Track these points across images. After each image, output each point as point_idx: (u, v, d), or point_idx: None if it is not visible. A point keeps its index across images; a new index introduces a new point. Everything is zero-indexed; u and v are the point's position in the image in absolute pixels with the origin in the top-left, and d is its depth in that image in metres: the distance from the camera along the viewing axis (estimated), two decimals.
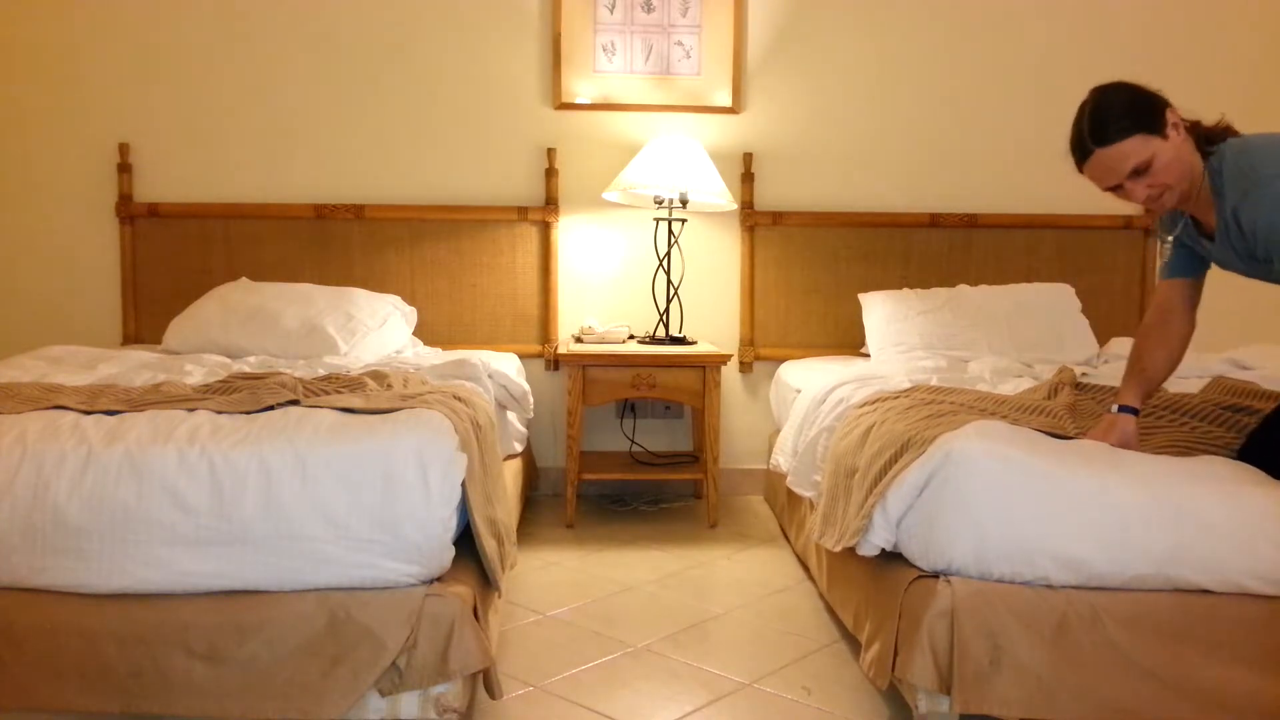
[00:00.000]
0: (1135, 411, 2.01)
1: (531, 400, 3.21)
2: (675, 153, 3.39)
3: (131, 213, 3.61)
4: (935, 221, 3.71)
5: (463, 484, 1.85)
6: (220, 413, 1.94)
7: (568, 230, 3.71)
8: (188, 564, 1.74)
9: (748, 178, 3.69)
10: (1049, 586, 1.77)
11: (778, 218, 3.70)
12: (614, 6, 3.63)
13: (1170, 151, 1.82)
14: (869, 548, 1.93)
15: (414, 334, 3.52)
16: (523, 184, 3.70)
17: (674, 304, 3.61)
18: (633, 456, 3.64)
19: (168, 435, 1.81)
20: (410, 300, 3.60)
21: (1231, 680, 1.71)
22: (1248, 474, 1.84)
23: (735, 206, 3.63)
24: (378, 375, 2.38)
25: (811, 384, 2.94)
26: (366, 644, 1.72)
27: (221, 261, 3.61)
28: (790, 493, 2.89)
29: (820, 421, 2.60)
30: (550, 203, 3.65)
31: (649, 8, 3.64)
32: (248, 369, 2.75)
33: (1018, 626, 1.72)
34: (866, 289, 3.65)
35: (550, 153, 3.65)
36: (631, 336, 3.56)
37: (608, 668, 2.18)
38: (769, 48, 3.70)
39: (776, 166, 3.73)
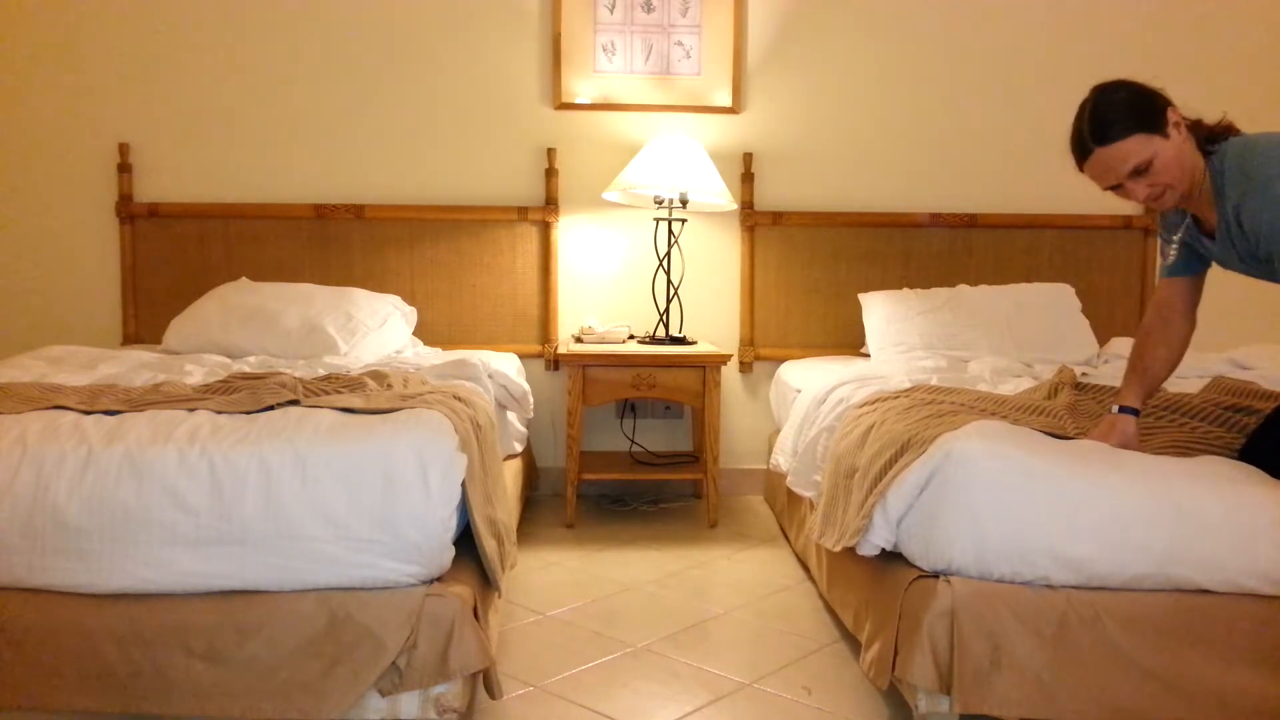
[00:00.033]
0: (1136, 412, 2.01)
1: (531, 400, 3.21)
2: (675, 153, 3.39)
3: (131, 213, 3.61)
4: (935, 221, 3.71)
5: (463, 484, 1.85)
6: (220, 413, 1.94)
7: (568, 230, 3.71)
8: (188, 564, 1.74)
9: (748, 178, 3.69)
10: (1049, 586, 1.77)
11: (778, 218, 3.70)
12: (614, 6, 3.63)
13: (1171, 151, 1.82)
14: (869, 547, 1.93)
15: (414, 334, 3.52)
16: (523, 184, 3.70)
17: (674, 304, 3.61)
18: (633, 456, 3.64)
19: (168, 435, 1.81)
20: (410, 300, 3.60)
21: (1231, 680, 1.71)
22: (1248, 474, 1.84)
23: (735, 206, 3.63)
24: (378, 375, 2.38)
25: (811, 384, 2.94)
26: (366, 644, 1.72)
27: (221, 261, 3.61)
28: (790, 493, 2.89)
29: (820, 421, 2.60)
30: (550, 203, 3.65)
31: (649, 8, 3.64)
32: (248, 369, 2.75)
33: (1018, 626, 1.72)
34: (866, 289, 3.65)
35: (550, 153, 3.65)
36: (631, 336, 3.56)
37: (608, 668, 2.18)
38: (769, 48, 3.70)
39: (776, 166, 3.73)
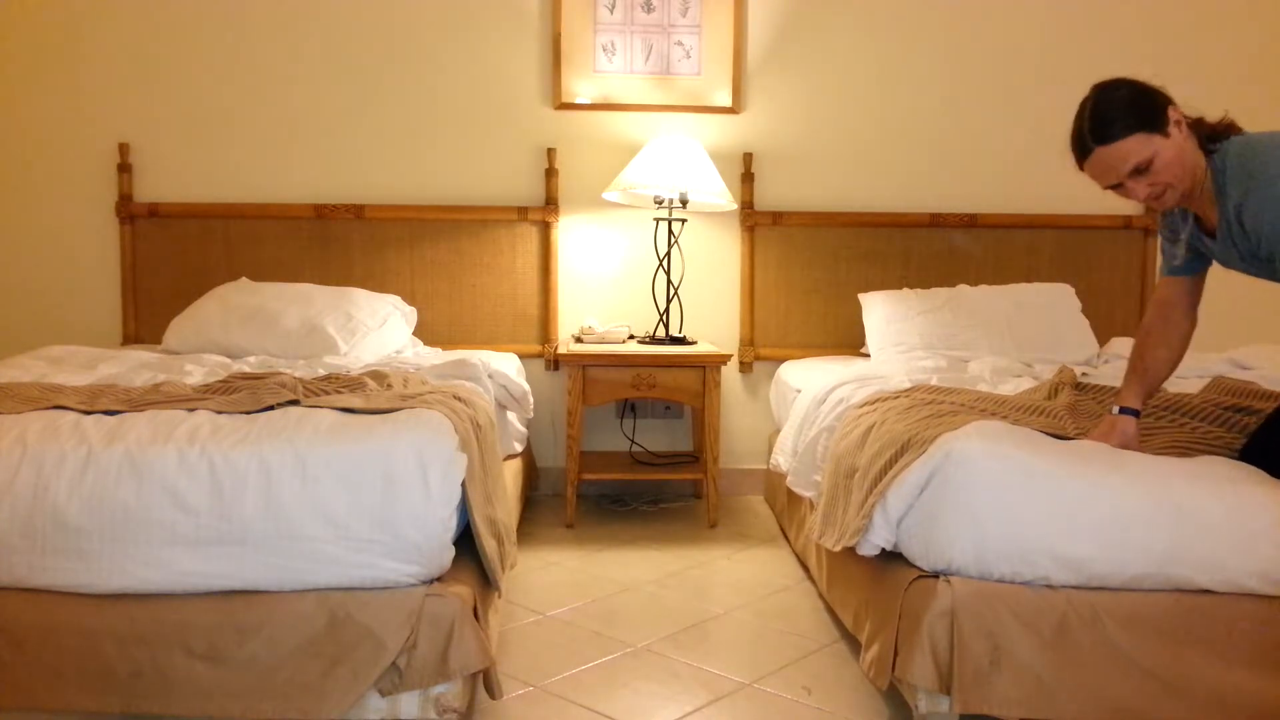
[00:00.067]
0: (1136, 413, 2.01)
1: (531, 400, 3.21)
2: (675, 153, 3.39)
3: (131, 213, 3.61)
4: (935, 221, 3.71)
5: (463, 484, 1.85)
6: (220, 413, 1.94)
7: (568, 230, 3.71)
8: (188, 564, 1.74)
9: (748, 178, 3.69)
10: (1049, 586, 1.77)
11: (778, 218, 3.70)
12: (614, 6, 3.63)
13: (1172, 150, 1.81)
14: (869, 547, 1.93)
15: (414, 334, 3.52)
16: (523, 184, 3.70)
17: (674, 304, 3.61)
18: (633, 456, 3.64)
19: (168, 435, 1.81)
20: (410, 300, 3.60)
21: (1231, 680, 1.71)
22: (1248, 474, 1.83)
23: (735, 206, 3.63)
24: (378, 375, 2.38)
25: (811, 384, 2.94)
26: (366, 644, 1.72)
27: (221, 261, 3.61)
28: (790, 493, 2.89)
29: (820, 421, 2.60)
30: (550, 203, 3.65)
31: (649, 8, 3.64)
32: (248, 369, 2.75)
33: (1018, 626, 1.72)
34: (866, 289, 3.65)
35: (550, 153, 3.65)
36: (631, 336, 3.56)
37: (608, 668, 2.18)
38: (769, 48, 3.70)
39: (776, 166, 3.73)
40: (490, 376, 2.85)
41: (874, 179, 3.75)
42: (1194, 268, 2.05)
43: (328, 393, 2.16)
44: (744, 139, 3.72)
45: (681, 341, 3.45)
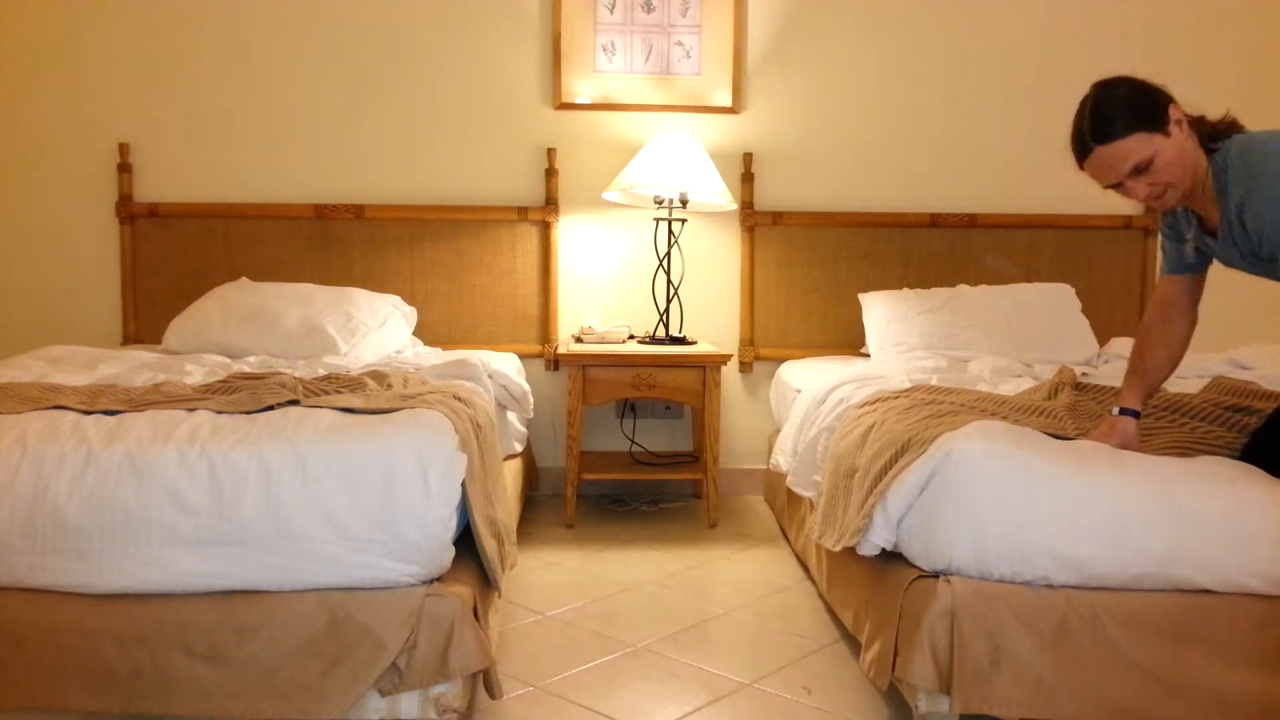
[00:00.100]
0: (1136, 414, 2.00)
1: (531, 400, 3.21)
2: (675, 153, 3.39)
3: (131, 213, 3.61)
4: (935, 221, 3.71)
5: (463, 484, 1.85)
6: (220, 413, 1.94)
7: (568, 230, 3.71)
8: (188, 564, 1.74)
9: (748, 178, 3.69)
10: (1049, 586, 1.77)
11: (778, 218, 3.70)
12: (614, 6, 3.63)
13: (1172, 149, 1.79)
14: (869, 547, 1.93)
15: (414, 334, 3.52)
16: (523, 184, 3.70)
17: (674, 304, 3.61)
18: (633, 456, 3.64)
19: (168, 435, 1.81)
20: (410, 300, 3.60)
21: (1231, 680, 1.71)
22: (1247, 473, 1.83)
23: (735, 206, 3.63)
24: (378, 375, 2.38)
25: (811, 384, 2.94)
26: (366, 644, 1.72)
27: (221, 261, 3.61)
28: (790, 493, 2.89)
29: (820, 421, 2.60)
30: (550, 203, 3.65)
31: (649, 8, 3.64)
32: (248, 369, 2.75)
33: (1018, 626, 1.72)
34: (866, 289, 3.65)
35: (550, 153, 3.65)
36: (631, 336, 3.56)
37: (608, 668, 2.18)
38: (769, 48, 3.70)
39: (776, 166, 3.73)
40: (490, 376, 2.85)
41: (874, 179, 3.75)
42: (1194, 267, 2.04)
43: (328, 393, 2.16)
44: (744, 139, 3.72)
45: (681, 341, 3.45)
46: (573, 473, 3.27)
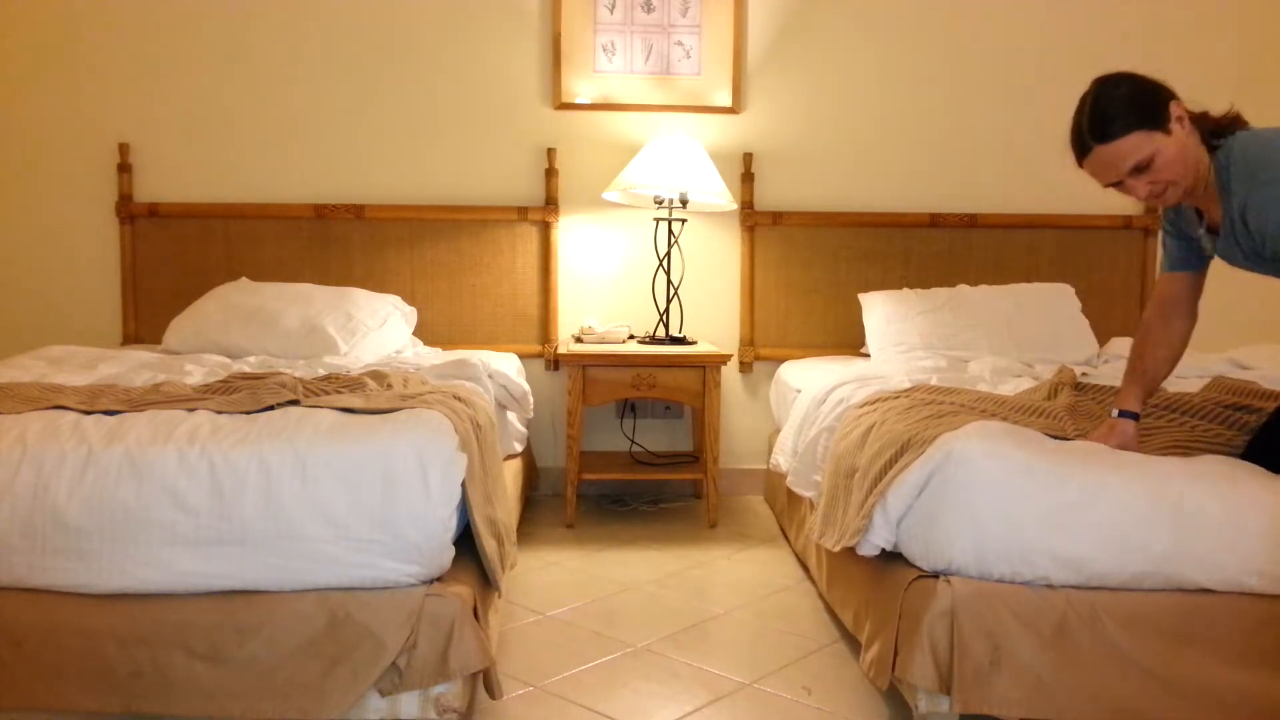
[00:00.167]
0: (1135, 416, 1.99)
1: (531, 400, 3.21)
2: (675, 153, 3.39)
3: (131, 213, 3.61)
4: (935, 221, 3.71)
5: (463, 484, 1.85)
6: (220, 413, 1.94)
7: (568, 230, 3.71)
8: (188, 564, 1.74)
9: (748, 178, 3.69)
10: (1049, 586, 1.77)
11: (778, 218, 3.70)
12: (614, 6, 3.63)
13: (1173, 147, 1.77)
14: (869, 548, 1.93)
15: (414, 334, 3.52)
16: (523, 184, 3.70)
17: (674, 304, 3.61)
18: (633, 456, 3.64)
19: (168, 435, 1.81)
20: (410, 300, 3.60)
21: (1231, 680, 1.71)
22: (1246, 472, 1.83)
23: (735, 206, 3.63)
24: (378, 375, 2.38)
25: (811, 384, 2.94)
26: (366, 644, 1.72)
27: (221, 261, 3.61)
28: (790, 493, 2.89)
29: (820, 421, 2.60)
30: (550, 203, 3.65)
31: (649, 8, 3.64)
32: (248, 369, 2.75)
33: (1018, 626, 1.72)
34: (866, 289, 3.65)
35: (550, 153, 3.65)
36: (631, 336, 3.56)
37: (608, 668, 2.18)
38: (769, 48, 3.70)
39: (776, 166, 3.73)
40: (490, 376, 2.85)
41: (874, 179, 3.75)
42: (1195, 264, 2.02)
43: (328, 393, 2.16)
44: (744, 139, 3.72)
45: (681, 341, 3.45)
46: (573, 473, 3.27)
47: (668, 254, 3.54)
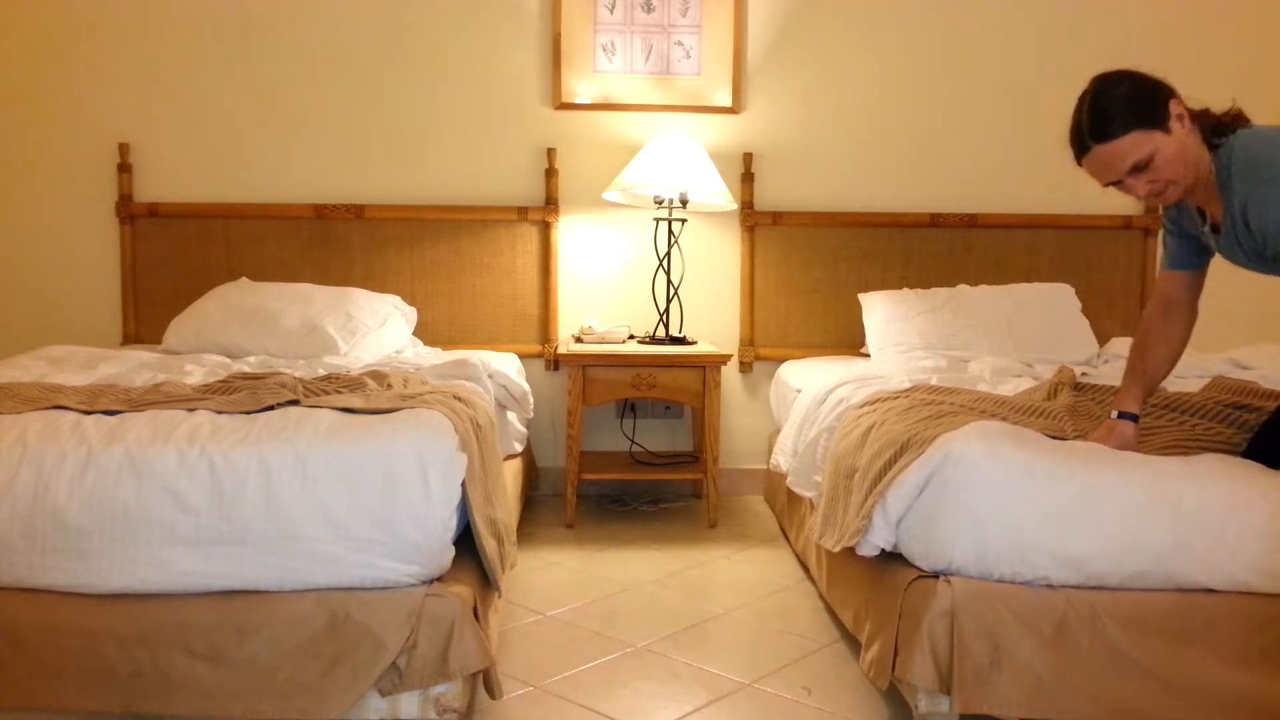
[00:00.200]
0: (1135, 418, 1.99)
1: (531, 400, 3.21)
2: (675, 153, 3.39)
3: (131, 213, 3.61)
4: (935, 221, 3.71)
5: (463, 484, 1.85)
6: (220, 413, 1.94)
7: (568, 230, 3.71)
8: (188, 564, 1.74)
9: (748, 178, 3.69)
10: (1049, 586, 1.77)
11: (778, 218, 3.70)
12: (614, 6, 3.63)
13: (1173, 146, 1.76)
14: (868, 548, 1.93)
15: (414, 334, 3.52)
16: (523, 184, 3.70)
17: (674, 304, 3.61)
18: (633, 456, 3.64)
19: (168, 435, 1.81)
20: (410, 300, 3.60)
21: (1231, 680, 1.71)
22: (1245, 470, 1.83)
23: (735, 206, 3.63)
24: (378, 375, 2.38)
25: (811, 384, 2.94)
26: (366, 644, 1.72)
27: (221, 261, 3.61)
28: (790, 493, 2.89)
29: (820, 422, 2.60)
30: (550, 203, 3.65)
31: (649, 8, 3.64)
32: (248, 369, 2.75)
33: (1018, 626, 1.72)
34: (866, 289, 3.65)
35: (550, 153, 3.65)
36: (631, 336, 3.56)
37: (608, 668, 2.18)
38: (769, 48, 3.70)
39: (776, 166, 3.73)
40: (490, 376, 2.85)
41: (874, 179, 3.75)
42: (1196, 262, 2.02)
43: (328, 393, 2.16)
44: (744, 139, 3.72)
45: (681, 341, 3.45)
46: (573, 473, 3.27)
47: (668, 254, 3.54)
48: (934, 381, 2.61)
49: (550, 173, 3.64)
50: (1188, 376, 2.66)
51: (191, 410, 1.95)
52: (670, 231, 3.52)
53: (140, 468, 1.75)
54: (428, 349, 3.47)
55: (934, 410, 2.11)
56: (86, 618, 1.73)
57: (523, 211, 3.65)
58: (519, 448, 3.18)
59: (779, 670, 2.17)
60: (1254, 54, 3.78)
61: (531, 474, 3.57)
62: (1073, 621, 1.73)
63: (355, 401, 2.01)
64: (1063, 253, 3.76)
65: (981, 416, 2.03)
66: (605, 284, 3.74)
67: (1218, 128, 1.82)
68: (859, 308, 3.57)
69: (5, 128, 3.63)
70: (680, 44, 3.66)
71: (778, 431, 3.33)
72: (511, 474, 2.83)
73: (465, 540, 1.93)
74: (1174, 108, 1.78)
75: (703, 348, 3.38)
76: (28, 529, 1.73)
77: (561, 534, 3.23)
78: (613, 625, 2.42)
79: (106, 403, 2.01)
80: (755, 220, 3.69)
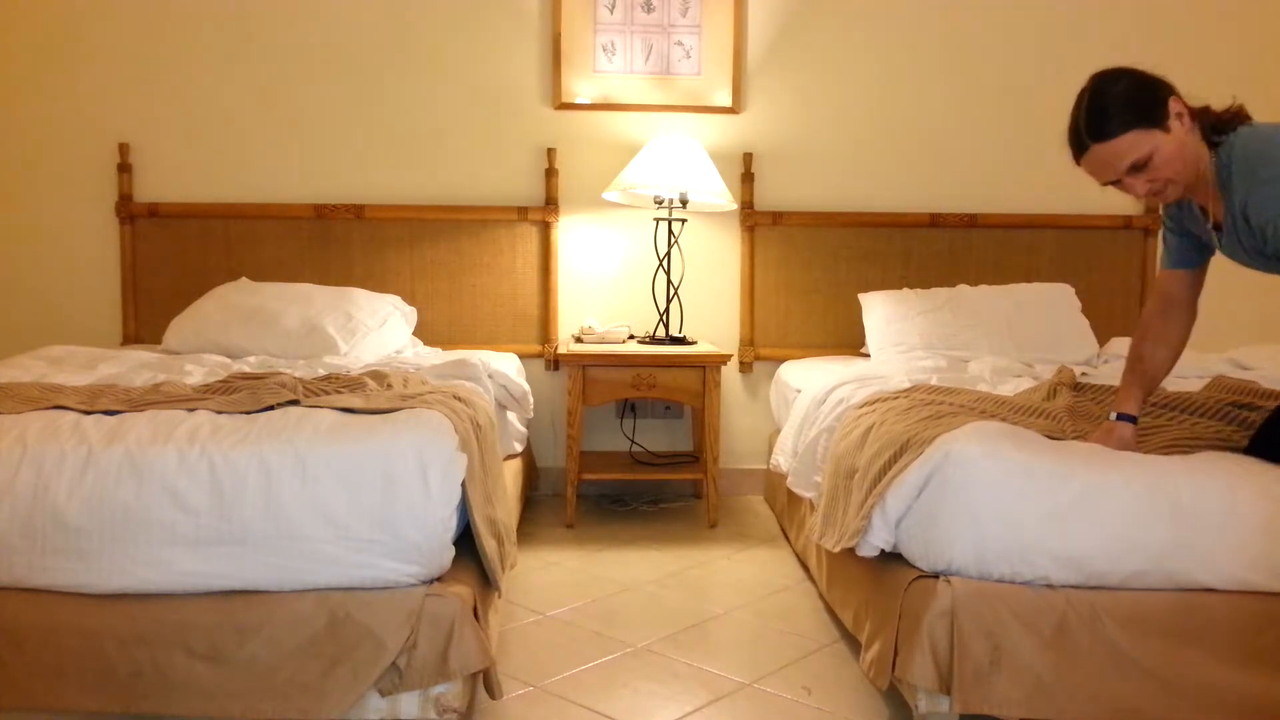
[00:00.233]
0: (1134, 419, 1.99)
1: (531, 400, 3.21)
2: (675, 153, 3.39)
3: (131, 213, 3.61)
4: (935, 221, 3.71)
5: (463, 484, 1.85)
6: (220, 413, 1.94)
7: (568, 230, 3.71)
8: (188, 564, 1.74)
9: (748, 178, 3.69)
10: (1049, 586, 1.77)
11: (778, 218, 3.70)
12: (614, 6, 3.63)
13: (1171, 145, 1.75)
14: (868, 549, 1.93)
15: (414, 334, 3.52)
16: (523, 184, 3.70)
17: (674, 304, 3.61)
18: (633, 456, 3.64)
19: (168, 435, 1.81)
20: (410, 300, 3.60)
21: (1231, 680, 1.71)
22: (1244, 466, 1.83)
23: (735, 206, 3.63)
24: (378, 375, 2.38)
25: (811, 384, 2.94)
26: (366, 644, 1.72)
27: (221, 261, 3.61)
28: (790, 493, 2.89)
29: (820, 422, 2.60)
30: (550, 203, 3.65)
31: (649, 8, 3.64)
32: (248, 369, 2.75)
33: (1018, 626, 1.72)
34: (866, 289, 3.65)
35: (550, 153, 3.65)
36: (631, 336, 3.56)
37: (608, 668, 2.18)
38: (769, 48, 3.70)
39: (776, 166, 3.73)
40: (490, 376, 2.85)
41: (874, 179, 3.75)
42: (1195, 261, 2.01)
43: (328, 393, 2.16)
44: (744, 139, 3.72)
45: (681, 341, 3.45)
46: (573, 473, 3.27)
47: (668, 254, 3.54)
48: (934, 381, 2.61)
49: (550, 173, 3.64)
50: (1188, 376, 2.66)
51: (191, 410, 1.95)
52: (670, 231, 3.52)
53: (140, 468, 1.75)
54: (428, 349, 3.47)
55: (933, 410, 2.11)
56: (86, 618, 1.73)
57: (523, 211, 3.65)
58: (519, 448, 3.18)
59: (779, 670, 2.17)
60: (1254, 54, 3.78)
61: (531, 474, 3.57)
62: (1073, 621, 1.73)
63: (355, 401, 2.01)
64: (1063, 253, 3.76)
65: (981, 417, 2.03)
66: (605, 284, 3.74)
67: (1218, 125, 1.80)
68: (859, 308, 3.57)
69: (5, 128, 3.63)
70: (680, 44, 3.66)
71: (778, 431, 3.33)
72: (511, 474, 2.83)
73: (465, 540, 1.93)
74: (1173, 105, 1.77)
75: (703, 348, 3.38)
76: (28, 529, 1.73)
77: (561, 534, 3.23)
78: (613, 625, 2.42)
79: (106, 403, 2.01)
80: (755, 220, 3.69)
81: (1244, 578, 1.75)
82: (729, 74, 3.66)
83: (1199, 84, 1.91)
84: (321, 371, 2.63)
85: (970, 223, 3.72)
